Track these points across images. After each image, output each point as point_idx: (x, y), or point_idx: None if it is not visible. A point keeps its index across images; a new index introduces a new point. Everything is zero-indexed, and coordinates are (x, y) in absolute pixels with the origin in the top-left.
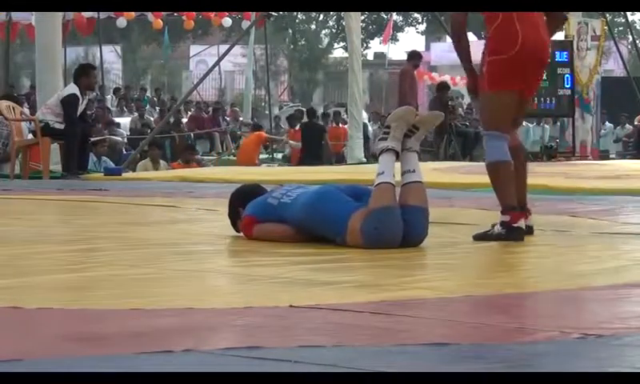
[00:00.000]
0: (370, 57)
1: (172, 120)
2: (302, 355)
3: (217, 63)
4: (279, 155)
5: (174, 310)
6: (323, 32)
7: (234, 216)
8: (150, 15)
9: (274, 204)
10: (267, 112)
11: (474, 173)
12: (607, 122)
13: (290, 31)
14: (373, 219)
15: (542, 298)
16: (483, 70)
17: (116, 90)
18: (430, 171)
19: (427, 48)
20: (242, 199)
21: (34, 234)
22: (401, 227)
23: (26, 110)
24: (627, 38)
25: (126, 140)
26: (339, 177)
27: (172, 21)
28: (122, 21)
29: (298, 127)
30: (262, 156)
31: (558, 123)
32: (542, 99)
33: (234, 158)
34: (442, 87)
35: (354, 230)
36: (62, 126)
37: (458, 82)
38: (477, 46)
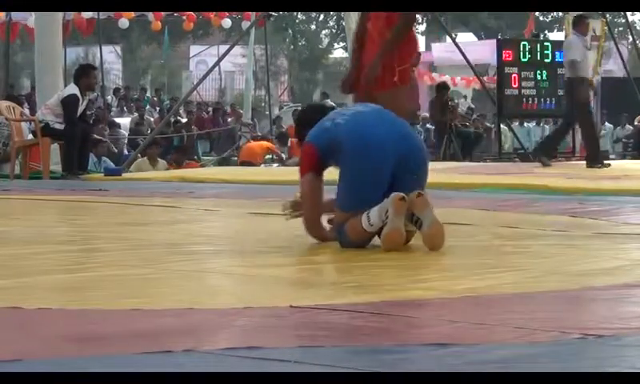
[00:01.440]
0: None
1: (184, 120)
2: (302, 355)
3: (217, 63)
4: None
5: (174, 310)
6: (323, 32)
7: (301, 136)
8: (150, 15)
9: (327, 126)
10: (267, 112)
11: (474, 173)
12: (607, 123)
13: (290, 31)
14: (341, 234)
15: (542, 298)
16: (394, 78)
17: (116, 90)
18: (430, 171)
19: (427, 48)
20: (309, 122)
21: (34, 233)
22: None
23: (26, 111)
24: (627, 38)
25: (126, 141)
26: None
27: (172, 21)
28: (123, 21)
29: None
30: None
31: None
32: (542, 99)
33: (234, 158)
34: (442, 88)
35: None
36: (62, 127)
37: (458, 82)
38: (476, 46)
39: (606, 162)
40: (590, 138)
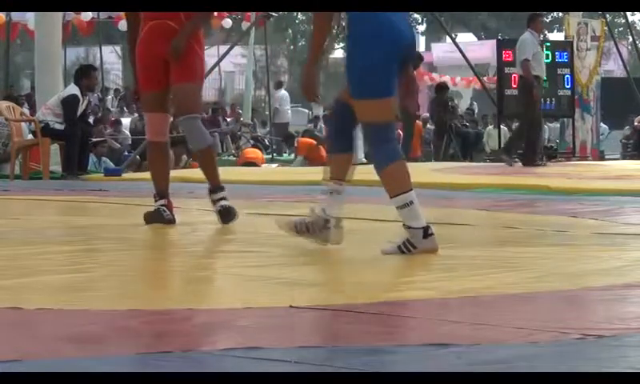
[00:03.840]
0: None
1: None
2: (302, 355)
3: (217, 64)
4: (279, 156)
5: (174, 310)
6: None
7: None
8: None
9: None
10: (267, 112)
11: (474, 173)
12: (602, 124)
13: (290, 31)
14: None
15: (542, 298)
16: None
17: (116, 91)
18: (430, 171)
19: (428, 48)
20: None
21: (34, 233)
22: None
23: (26, 111)
24: (627, 38)
25: (130, 141)
26: None
27: None
28: (124, 23)
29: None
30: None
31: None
32: (542, 100)
33: (234, 158)
34: (441, 88)
35: None
36: (62, 127)
37: (458, 82)
38: (476, 46)
39: (542, 162)
40: (530, 137)
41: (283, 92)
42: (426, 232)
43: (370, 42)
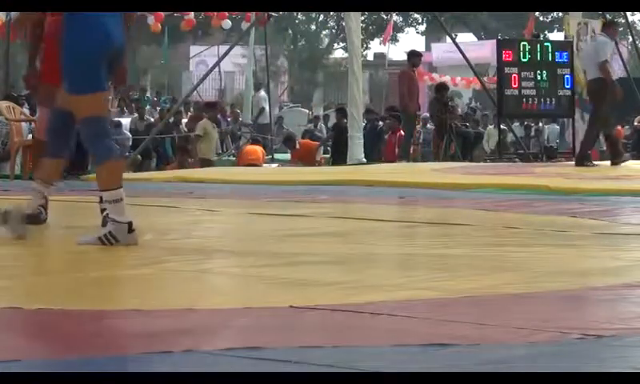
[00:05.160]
0: (370, 57)
1: (172, 120)
2: (301, 355)
3: (217, 64)
4: (279, 156)
5: (174, 310)
6: (323, 32)
7: None
8: (150, 17)
9: None
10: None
11: (473, 173)
12: None
13: (290, 32)
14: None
15: (542, 297)
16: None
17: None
18: (430, 171)
19: (427, 48)
20: None
21: (35, 234)
22: None
23: (26, 111)
24: (627, 38)
25: (130, 142)
26: (338, 177)
27: (171, 22)
28: None
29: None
30: None
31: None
32: (542, 100)
33: (234, 158)
34: (441, 88)
35: None
36: None
37: (458, 82)
38: (476, 46)
39: (595, 162)
40: (592, 139)
41: (263, 93)
42: (130, 227)
43: (80, 42)
